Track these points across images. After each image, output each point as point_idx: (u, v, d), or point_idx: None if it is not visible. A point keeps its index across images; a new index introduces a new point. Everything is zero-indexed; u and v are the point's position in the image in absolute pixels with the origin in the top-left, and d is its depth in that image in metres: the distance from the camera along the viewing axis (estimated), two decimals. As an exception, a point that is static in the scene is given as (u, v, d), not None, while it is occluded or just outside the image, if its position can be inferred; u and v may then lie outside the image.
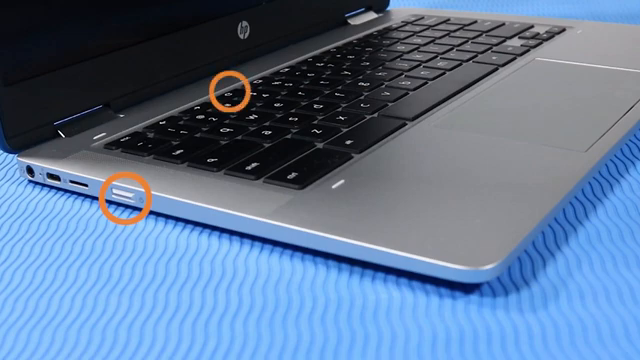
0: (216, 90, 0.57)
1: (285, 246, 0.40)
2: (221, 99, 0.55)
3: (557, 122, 0.48)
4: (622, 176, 0.46)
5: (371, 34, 0.71)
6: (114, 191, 0.44)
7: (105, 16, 0.53)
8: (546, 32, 0.68)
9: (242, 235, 0.41)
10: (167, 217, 0.43)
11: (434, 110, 0.51)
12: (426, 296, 0.36)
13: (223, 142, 0.48)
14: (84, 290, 0.37)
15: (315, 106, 0.52)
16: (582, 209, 0.43)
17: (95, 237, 0.42)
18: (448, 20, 0.74)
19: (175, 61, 0.58)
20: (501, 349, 0.32)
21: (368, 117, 0.51)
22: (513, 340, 0.33)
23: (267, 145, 0.47)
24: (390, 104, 0.53)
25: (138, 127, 0.51)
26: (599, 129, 0.47)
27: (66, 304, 0.36)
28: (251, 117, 0.51)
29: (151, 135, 0.49)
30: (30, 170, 0.48)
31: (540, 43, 0.65)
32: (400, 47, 0.66)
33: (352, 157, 0.45)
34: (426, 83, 0.57)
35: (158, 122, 0.52)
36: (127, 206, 0.44)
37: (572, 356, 0.32)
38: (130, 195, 0.43)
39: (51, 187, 0.48)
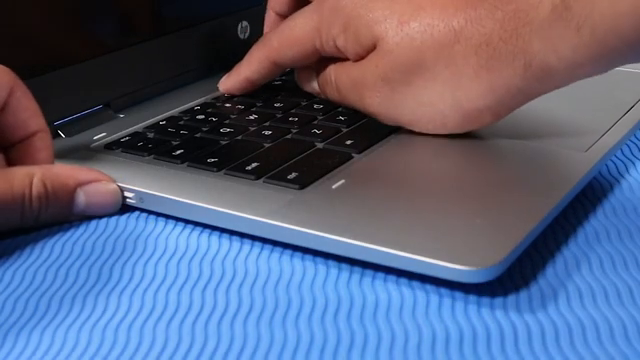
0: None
1: (285, 246, 0.40)
2: (221, 99, 0.55)
3: (557, 122, 0.48)
4: (622, 176, 0.46)
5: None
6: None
7: (105, 16, 0.53)
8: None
9: (242, 235, 0.41)
10: (167, 217, 0.43)
11: (434, 110, 0.51)
12: (426, 296, 0.36)
13: (223, 142, 0.48)
14: (84, 290, 0.37)
15: (315, 106, 0.52)
16: (582, 209, 0.43)
17: (95, 237, 0.42)
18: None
19: (175, 61, 0.58)
20: (500, 349, 0.32)
21: (368, 117, 0.50)
22: (512, 340, 0.33)
23: (267, 145, 0.47)
24: (390, 104, 0.53)
25: (138, 127, 0.51)
26: (599, 129, 0.47)
27: (66, 304, 0.36)
28: (251, 117, 0.51)
29: (151, 135, 0.49)
30: (30, 170, 0.48)
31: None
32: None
33: (352, 157, 0.45)
34: (426, 83, 0.57)
35: (158, 122, 0.52)
36: (127, 206, 0.44)
37: (571, 357, 0.32)
38: (130, 195, 0.43)
39: (51, 187, 0.48)
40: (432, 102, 0.44)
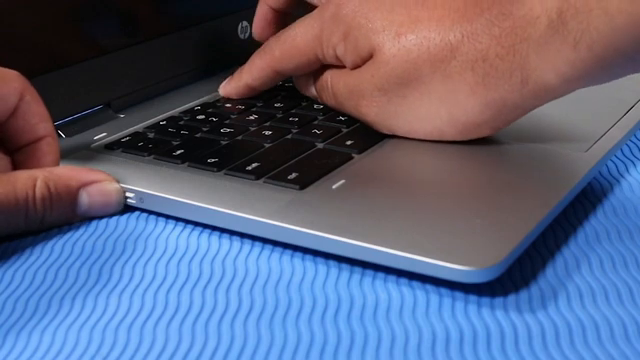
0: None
1: (285, 246, 0.40)
2: (221, 99, 0.55)
3: (557, 123, 0.48)
4: (622, 176, 0.46)
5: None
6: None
7: (105, 16, 0.53)
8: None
9: (242, 235, 0.41)
10: (167, 217, 0.43)
11: (434, 110, 0.51)
12: (426, 296, 0.36)
13: (223, 142, 0.48)
14: (84, 290, 0.37)
15: (315, 106, 0.52)
16: (582, 209, 0.43)
17: (95, 237, 0.42)
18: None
19: (175, 61, 0.58)
20: (500, 349, 0.32)
21: (368, 117, 0.50)
22: (512, 340, 0.33)
23: (267, 145, 0.47)
24: (390, 104, 0.53)
25: (138, 127, 0.51)
26: (599, 129, 0.47)
27: (66, 304, 0.36)
28: (251, 117, 0.51)
29: (151, 135, 0.49)
30: (30, 170, 0.48)
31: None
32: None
33: (352, 157, 0.45)
34: (426, 83, 0.57)
35: (158, 122, 0.52)
36: (127, 206, 0.44)
37: (571, 357, 0.32)
38: (130, 195, 0.43)
39: (51, 187, 0.48)
40: (429, 116, 0.44)
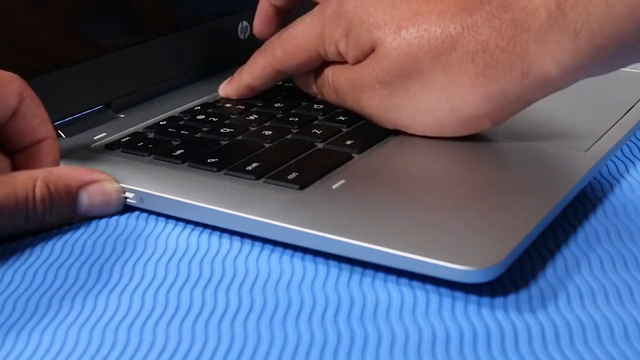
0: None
1: (285, 246, 0.40)
2: (221, 99, 0.55)
3: (557, 122, 0.48)
4: (622, 176, 0.46)
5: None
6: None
7: (105, 16, 0.53)
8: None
9: (242, 235, 0.41)
10: (167, 217, 0.43)
11: (434, 110, 0.51)
12: (426, 296, 0.36)
13: (223, 142, 0.48)
14: (84, 290, 0.37)
15: (315, 106, 0.52)
16: (582, 209, 0.43)
17: (95, 237, 0.42)
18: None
19: (175, 61, 0.58)
20: (500, 349, 0.32)
21: (368, 117, 0.50)
22: (512, 340, 0.33)
23: (267, 145, 0.47)
24: (390, 104, 0.53)
25: (138, 127, 0.51)
26: (599, 129, 0.47)
27: (66, 304, 0.36)
28: (251, 117, 0.51)
29: (151, 135, 0.49)
30: (30, 170, 0.48)
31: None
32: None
33: (352, 157, 0.45)
34: (426, 83, 0.57)
35: (158, 122, 0.52)
36: (127, 206, 0.44)
37: (571, 357, 0.32)
38: (130, 195, 0.43)
39: (51, 187, 0.48)
40: (430, 109, 0.44)
